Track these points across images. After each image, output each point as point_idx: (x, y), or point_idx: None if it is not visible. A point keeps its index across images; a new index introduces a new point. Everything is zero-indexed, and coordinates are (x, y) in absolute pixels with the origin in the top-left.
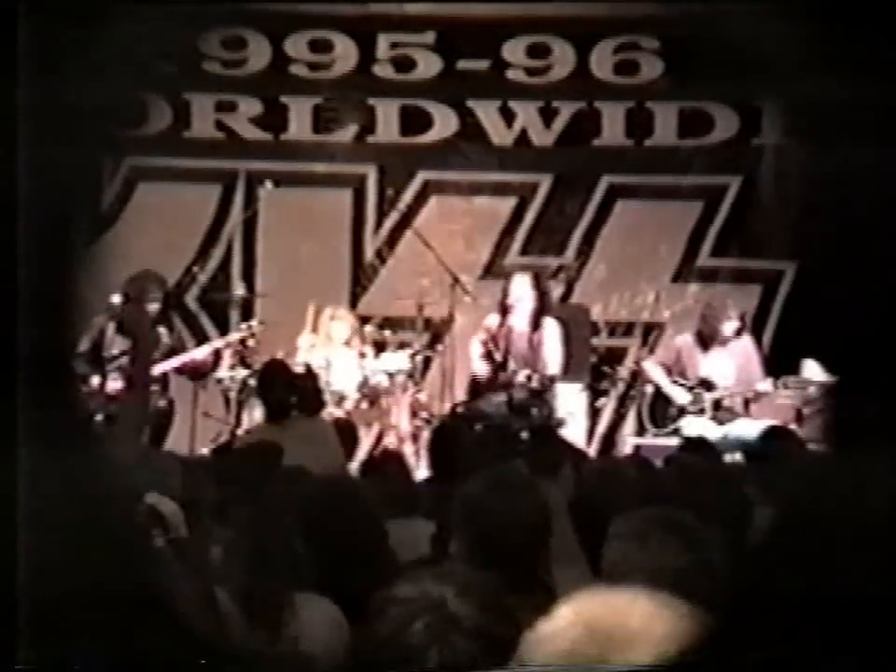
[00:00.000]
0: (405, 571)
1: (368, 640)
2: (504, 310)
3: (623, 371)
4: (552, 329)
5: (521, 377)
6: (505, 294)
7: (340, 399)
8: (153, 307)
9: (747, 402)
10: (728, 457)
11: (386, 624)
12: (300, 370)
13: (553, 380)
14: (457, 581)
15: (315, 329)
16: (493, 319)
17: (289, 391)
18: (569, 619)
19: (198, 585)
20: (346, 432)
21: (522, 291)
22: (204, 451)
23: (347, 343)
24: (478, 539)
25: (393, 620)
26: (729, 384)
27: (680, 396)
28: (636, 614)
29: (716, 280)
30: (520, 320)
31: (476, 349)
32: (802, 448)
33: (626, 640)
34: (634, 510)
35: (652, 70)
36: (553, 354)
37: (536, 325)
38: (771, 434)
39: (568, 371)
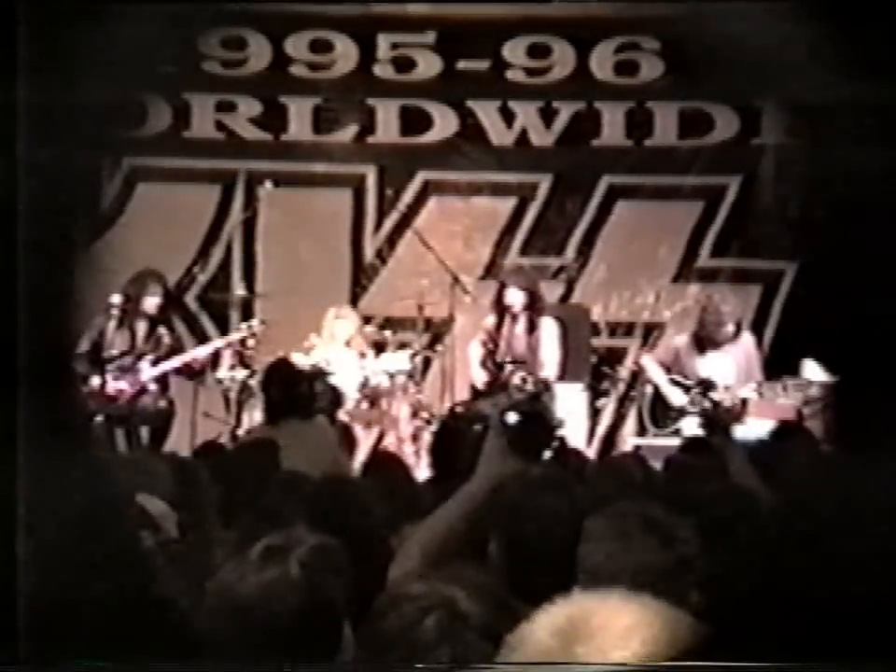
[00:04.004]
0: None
1: (378, 637)
2: (499, 311)
3: (623, 371)
4: (549, 330)
5: (517, 380)
6: (499, 296)
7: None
8: (153, 301)
9: (744, 403)
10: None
11: (397, 621)
12: (306, 368)
13: (547, 385)
14: (468, 583)
15: (317, 330)
16: (490, 320)
17: (294, 390)
18: (539, 621)
19: (193, 586)
20: (342, 434)
21: (515, 296)
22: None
23: (349, 343)
24: (516, 540)
25: (403, 616)
26: (730, 384)
27: (677, 397)
28: (600, 610)
29: (716, 280)
30: (516, 322)
31: (475, 351)
32: (811, 444)
33: (588, 636)
34: (608, 507)
35: (652, 70)
36: (550, 355)
37: (532, 326)
38: (780, 433)
39: (568, 372)
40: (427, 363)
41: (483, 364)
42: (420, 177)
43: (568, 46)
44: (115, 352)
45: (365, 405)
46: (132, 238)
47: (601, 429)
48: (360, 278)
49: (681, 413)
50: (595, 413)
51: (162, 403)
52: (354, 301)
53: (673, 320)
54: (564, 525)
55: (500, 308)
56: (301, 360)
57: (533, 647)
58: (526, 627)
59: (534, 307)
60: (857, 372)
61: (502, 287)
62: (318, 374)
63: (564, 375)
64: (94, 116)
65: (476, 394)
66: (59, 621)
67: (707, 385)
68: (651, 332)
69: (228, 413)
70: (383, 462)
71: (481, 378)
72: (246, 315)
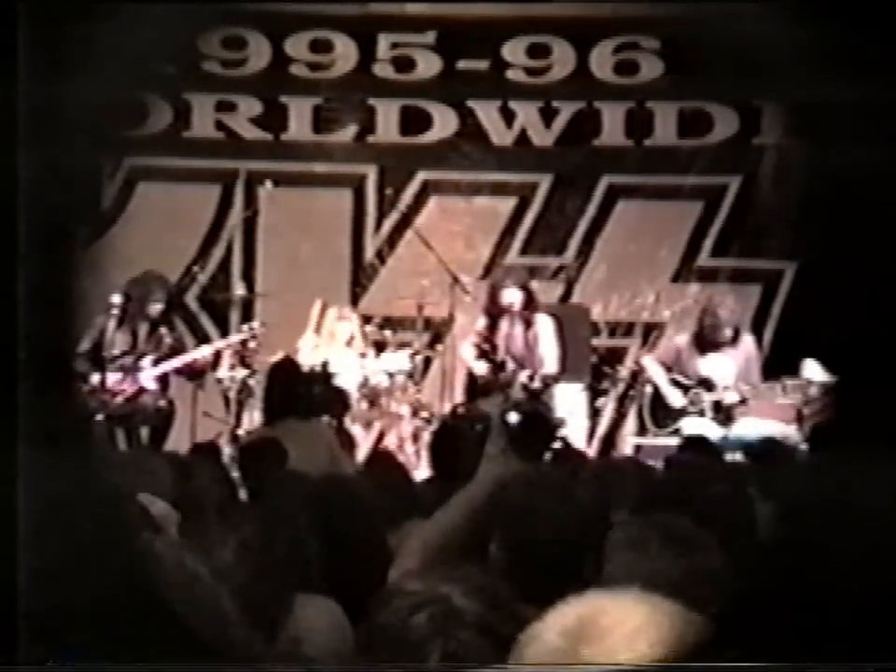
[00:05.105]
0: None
1: (370, 630)
2: (490, 313)
3: (623, 371)
4: (544, 325)
5: (522, 377)
6: (493, 298)
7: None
8: (156, 308)
9: (744, 403)
10: (729, 457)
11: (389, 615)
12: (308, 369)
13: (556, 378)
14: (464, 581)
15: (317, 329)
16: (481, 322)
17: (296, 390)
18: (549, 620)
19: (193, 586)
20: (342, 434)
21: (514, 295)
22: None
23: (349, 343)
24: (517, 540)
25: (396, 610)
26: (730, 384)
27: (676, 398)
28: (610, 611)
29: (716, 280)
30: (512, 320)
31: (468, 351)
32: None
33: (596, 636)
34: (633, 517)
35: (652, 70)
36: (548, 350)
37: (528, 323)
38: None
39: (568, 371)
40: (427, 363)
41: (482, 363)
42: (420, 177)
43: (568, 46)
44: (115, 351)
45: (365, 405)
46: (132, 238)
47: (601, 429)
48: (360, 278)
49: (681, 412)
50: (595, 413)
51: (162, 403)
52: (354, 301)
53: (673, 320)
54: (565, 526)
55: (494, 310)
56: (303, 358)
57: (542, 646)
58: (537, 626)
59: (529, 304)
60: (857, 372)
61: (496, 288)
62: (321, 375)
63: (564, 372)
64: (94, 116)
65: (476, 394)
66: (59, 621)
67: (707, 386)
68: (651, 332)
69: (228, 413)
70: (382, 462)
71: (479, 379)
72: (246, 314)
